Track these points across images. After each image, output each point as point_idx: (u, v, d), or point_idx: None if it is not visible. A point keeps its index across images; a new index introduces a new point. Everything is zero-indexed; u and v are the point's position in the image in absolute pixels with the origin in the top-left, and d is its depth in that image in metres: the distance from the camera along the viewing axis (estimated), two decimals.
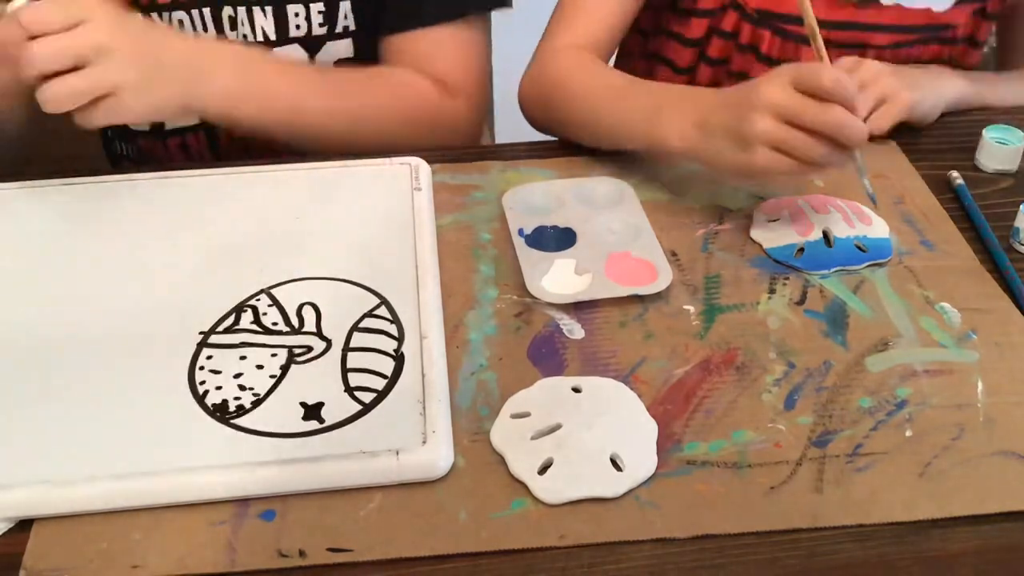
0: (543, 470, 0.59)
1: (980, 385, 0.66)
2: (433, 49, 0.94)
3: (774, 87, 0.72)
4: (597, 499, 0.58)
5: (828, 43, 0.94)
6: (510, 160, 0.88)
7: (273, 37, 0.93)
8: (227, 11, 0.91)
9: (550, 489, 0.58)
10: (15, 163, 0.88)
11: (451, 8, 0.92)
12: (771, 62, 0.98)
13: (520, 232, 0.78)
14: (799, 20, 0.92)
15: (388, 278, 0.73)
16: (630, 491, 0.59)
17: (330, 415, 0.62)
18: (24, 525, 0.57)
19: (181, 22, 0.90)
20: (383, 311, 0.69)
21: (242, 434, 0.61)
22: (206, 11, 0.90)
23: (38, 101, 0.72)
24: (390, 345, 0.67)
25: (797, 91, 0.71)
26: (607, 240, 0.78)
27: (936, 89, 0.91)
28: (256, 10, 0.91)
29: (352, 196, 0.82)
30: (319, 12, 0.92)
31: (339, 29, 0.94)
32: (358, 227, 0.78)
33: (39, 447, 0.60)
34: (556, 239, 0.78)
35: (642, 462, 0.60)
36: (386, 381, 0.64)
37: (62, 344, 0.67)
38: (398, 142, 0.88)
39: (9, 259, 0.75)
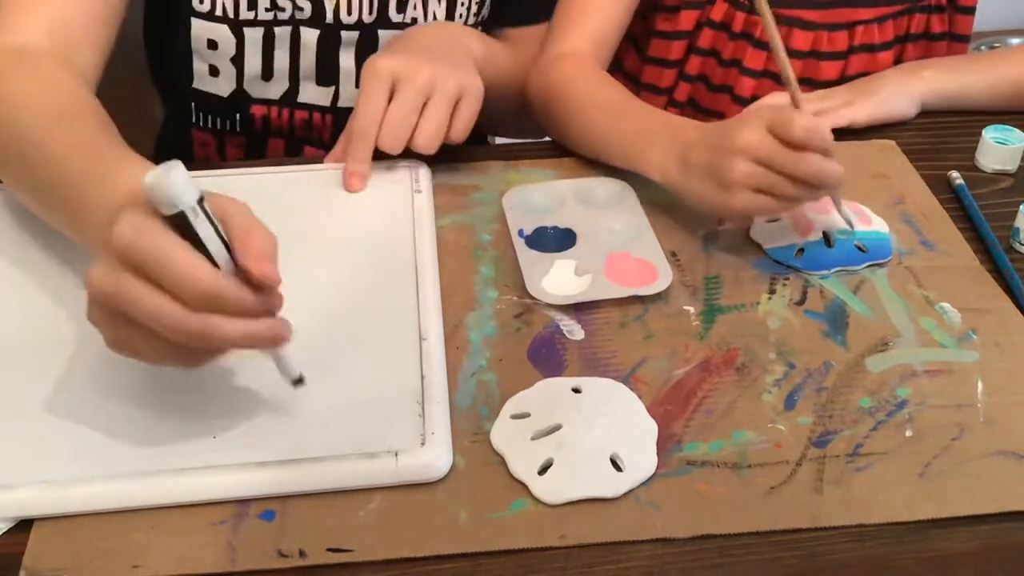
0: (543, 470, 0.59)
1: (980, 385, 0.66)
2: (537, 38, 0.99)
3: (750, 131, 0.72)
4: (597, 499, 0.58)
5: (816, 25, 0.97)
6: (510, 160, 0.88)
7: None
8: None
9: (550, 489, 0.58)
10: None
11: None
12: (764, 47, 0.98)
13: (520, 233, 0.78)
14: (793, 2, 0.96)
15: (387, 280, 0.73)
16: (630, 491, 0.59)
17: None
18: (24, 525, 0.57)
19: (351, 1, 0.91)
20: None
21: (241, 429, 0.61)
22: None
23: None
24: None
25: (773, 135, 0.71)
26: (607, 240, 0.78)
27: (896, 87, 0.93)
28: None
29: (353, 198, 0.82)
30: (476, 3, 0.95)
31: (481, 17, 0.98)
32: (358, 229, 0.78)
33: (40, 447, 0.60)
34: (556, 239, 0.78)
35: (642, 462, 0.60)
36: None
37: (62, 343, 0.67)
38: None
39: (9, 258, 0.75)
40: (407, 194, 0.82)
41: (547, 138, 0.96)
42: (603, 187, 0.84)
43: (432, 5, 0.94)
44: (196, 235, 0.53)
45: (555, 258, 0.75)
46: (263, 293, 0.56)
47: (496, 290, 0.73)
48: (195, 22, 0.91)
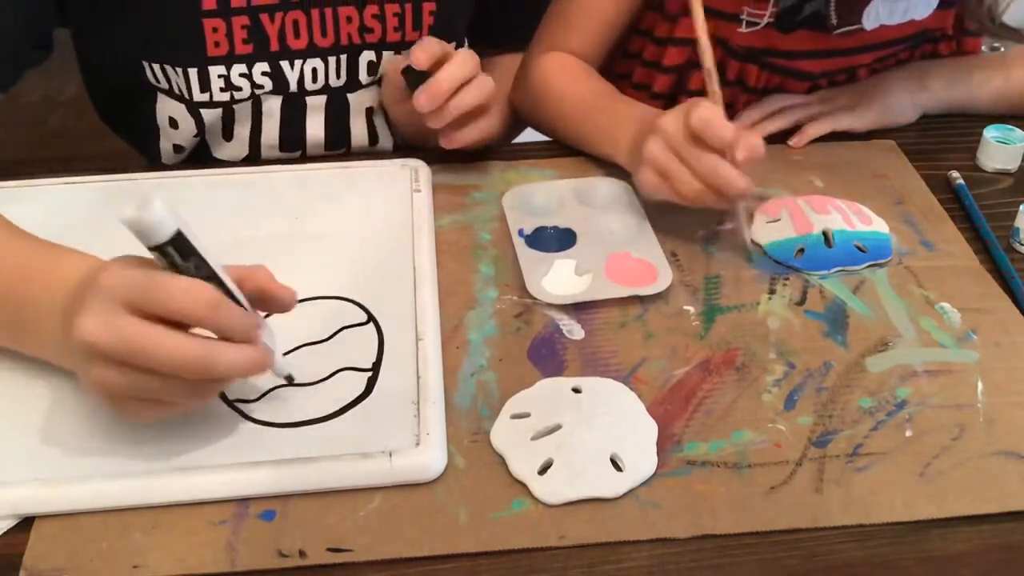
0: (543, 470, 0.59)
1: (980, 385, 0.66)
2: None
3: (670, 116, 0.74)
4: (597, 499, 0.58)
5: (816, 75, 0.94)
6: (510, 160, 0.88)
7: None
8: (367, 55, 0.89)
9: (550, 489, 0.58)
10: None
11: None
12: (757, 92, 0.96)
13: (520, 232, 0.78)
14: (790, 54, 0.92)
15: (385, 280, 0.73)
16: (630, 491, 0.59)
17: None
18: (24, 525, 0.57)
19: (315, 69, 0.88)
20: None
21: (240, 429, 0.61)
22: (343, 57, 0.88)
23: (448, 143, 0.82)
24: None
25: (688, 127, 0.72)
26: (607, 240, 0.78)
27: (900, 94, 0.92)
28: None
29: (352, 197, 0.82)
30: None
31: None
32: (357, 228, 0.78)
33: (39, 445, 0.60)
34: (556, 239, 0.78)
35: (642, 462, 0.60)
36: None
37: None
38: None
39: None
40: (406, 193, 0.82)
41: (545, 137, 0.96)
42: (603, 187, 0.84)
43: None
44: (192, 257, 0.53)
45: (555, 258, 0.75)
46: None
47: (496, 290, 0.73)
48: (160, 98, 0.87)
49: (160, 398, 0.55)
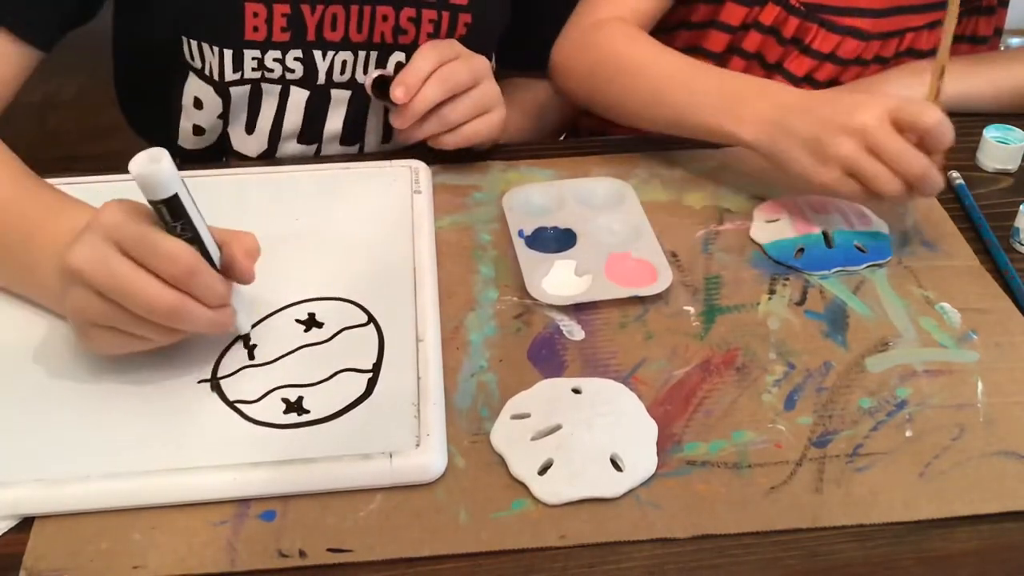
0: (543, 470, 0.59)
1: (980, 385, 0.66)
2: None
3: (870, 114, 0.71)
4: (597, 499, 0.58)
5: (870, 35, 0.93)
6: (510, 160, 0.88)
7: None
8: (396, 56, 0.89)
9: (550, 489, 0.58)
10: None
11: None
12: (811, 53, 0.96)
13: (520, 233, 0.78)
14: (848, 11, 0.91)
15: (385, 281, 0.73)
16: (630, 491, 0.59)
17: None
18: (24, 525, 0.57)
19: (344, 62, 0.88)
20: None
21: (241, 429, 0.61)
22: (373, 54, 0.89)
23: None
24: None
25: (893, 124, 0.71)
26: (607, 241, 0.78)
27: (898, 90, 0.92)
28: None
29: (352, 198, 0.82)
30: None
31: None
32: (357, 229, 0.78)
33: (39, 445, 0.60)
34: (556, 240, 0.78)
35: (642, 462, 0.60)
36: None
37: (63, 343, 0.67)
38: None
39: None
40: (407, 195, 0.82)
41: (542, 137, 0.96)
42: (603, 187, 0.84)
43: None
44: (181, 220, 0.58)
45: (555, 258, 0.75)
46: (231, 283, 0.62)
47: (496, 290, 0.73)
48: (190, 78, 0.88)
49: (129, 331, 0.60)
